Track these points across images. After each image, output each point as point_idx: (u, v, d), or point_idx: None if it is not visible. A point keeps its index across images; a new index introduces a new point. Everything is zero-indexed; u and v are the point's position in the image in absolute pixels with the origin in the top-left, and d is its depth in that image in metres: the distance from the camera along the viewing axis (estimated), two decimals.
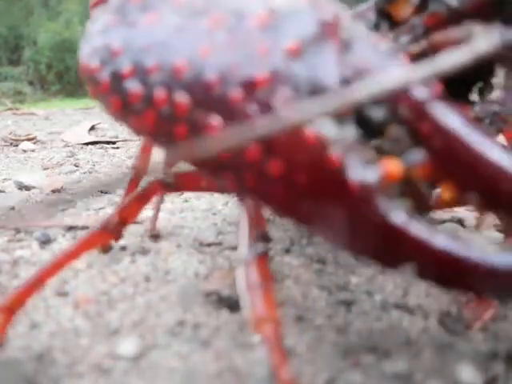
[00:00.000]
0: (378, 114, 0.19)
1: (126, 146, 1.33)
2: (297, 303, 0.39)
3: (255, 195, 0.21)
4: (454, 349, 0.32)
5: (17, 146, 1.35)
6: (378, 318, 0.36)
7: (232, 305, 0.38)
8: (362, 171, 0.18)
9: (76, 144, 1.37)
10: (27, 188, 0.81)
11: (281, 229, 0.56)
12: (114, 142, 1.38)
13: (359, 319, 0.36)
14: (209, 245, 0.52)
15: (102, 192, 0.78)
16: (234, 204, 0.68)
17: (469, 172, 0.18)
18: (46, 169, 1.02)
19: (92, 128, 1.65)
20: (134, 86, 0.20)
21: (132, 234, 0.54)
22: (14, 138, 1.44)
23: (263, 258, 0.29)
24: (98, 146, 1.34)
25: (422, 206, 0.19)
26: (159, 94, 0.19)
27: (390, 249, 0.19)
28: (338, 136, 0.18)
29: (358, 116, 0.19)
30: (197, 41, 0.19)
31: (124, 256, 0.49)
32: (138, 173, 0.49)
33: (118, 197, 0.51)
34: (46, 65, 7.22)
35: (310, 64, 0.19)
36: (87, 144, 1.35)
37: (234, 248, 0.50)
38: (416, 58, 0.22)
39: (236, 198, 0.32)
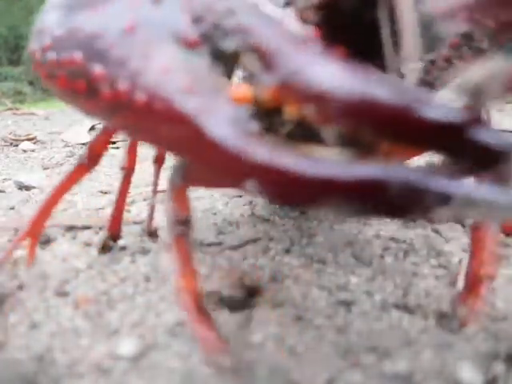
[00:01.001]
0: (229, 44, 0.21)
1: (126, 146, 1.32)
2: (297, 303, 0.38)
3: (134, 133, 0.24)
4: (454, 349, 0.32)
5: (17, 146, 1.35)
6: (377, 318, 0.36)
7: (232, 305, 0.38)
8: (203, 98, 0.19)
9: (76, 144, 1.37)
10: (27, 188, 0.81)
11: (281, 229, 0.56)
12: (113, 142, 1.38)
13: (359, 319, 0.36)
14: (209, 245, 0.52)
15: (101, 192, 0.78)
16: (234, 204, 0.68)
17: (302, 88, 0.19)
18: (46, 169, 1.02)
19: (92, 128, 1.65)
20: (51, 55, 0.24)
21: (131, 234, 0.54)
22: (14, 137, 1.44)
23: (181, 239, 0.35)
24: None
25: (275, 130, 0.20)
26: (64, 56, 0.24)
27: (231, 169, 0.19)
28: (187, 64, 0.20)
29: (212, 48, 0.21)
30: (89, 12, 0.24)
31: (124, 256, 0.49)
32: (127, 172, 0.51)
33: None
34: None
35: (166, 8, 0.22)
36: (87, 144, 1.35)
37: (234, 248, 0.50)
38: None
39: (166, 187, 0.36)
